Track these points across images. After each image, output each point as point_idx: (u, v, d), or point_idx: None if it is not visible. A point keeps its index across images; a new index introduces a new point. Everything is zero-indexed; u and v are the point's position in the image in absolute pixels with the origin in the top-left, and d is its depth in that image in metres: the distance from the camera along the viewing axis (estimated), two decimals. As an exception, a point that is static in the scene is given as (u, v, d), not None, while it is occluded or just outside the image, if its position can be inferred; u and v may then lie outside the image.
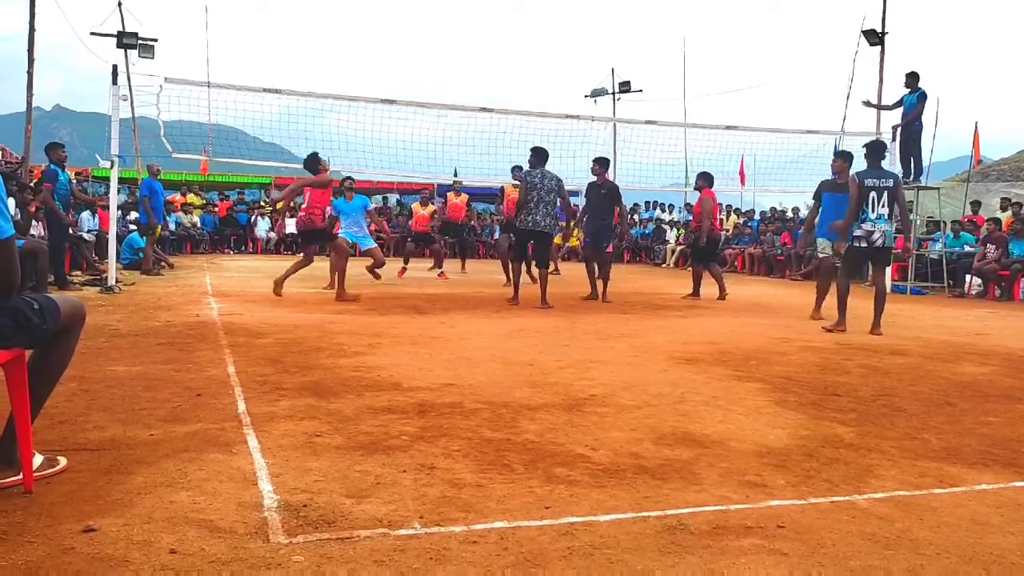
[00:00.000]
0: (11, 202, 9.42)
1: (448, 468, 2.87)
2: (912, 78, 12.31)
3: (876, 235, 7.07)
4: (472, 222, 20.81)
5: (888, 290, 7.50)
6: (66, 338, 2.71)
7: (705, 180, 10.62)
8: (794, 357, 5.66)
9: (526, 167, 9.29)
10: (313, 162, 9.44)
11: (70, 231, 11.34)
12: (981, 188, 19.53)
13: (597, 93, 27.46)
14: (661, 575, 2.06)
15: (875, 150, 7.42)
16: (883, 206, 7.07)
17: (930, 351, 6.17)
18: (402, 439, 3.23)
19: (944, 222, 14.63)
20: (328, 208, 9.67)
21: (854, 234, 7.15)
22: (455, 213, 14.03)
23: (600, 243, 10.16)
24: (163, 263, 13.78)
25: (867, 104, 14.10)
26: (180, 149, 11.17)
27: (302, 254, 9.67)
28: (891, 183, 7.12)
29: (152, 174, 12.98)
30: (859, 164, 7.90)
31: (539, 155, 9.08)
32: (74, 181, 12.62)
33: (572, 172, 13.22)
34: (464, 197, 14.98)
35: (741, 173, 20.40)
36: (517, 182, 12.17)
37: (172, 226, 19.45)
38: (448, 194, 14.44)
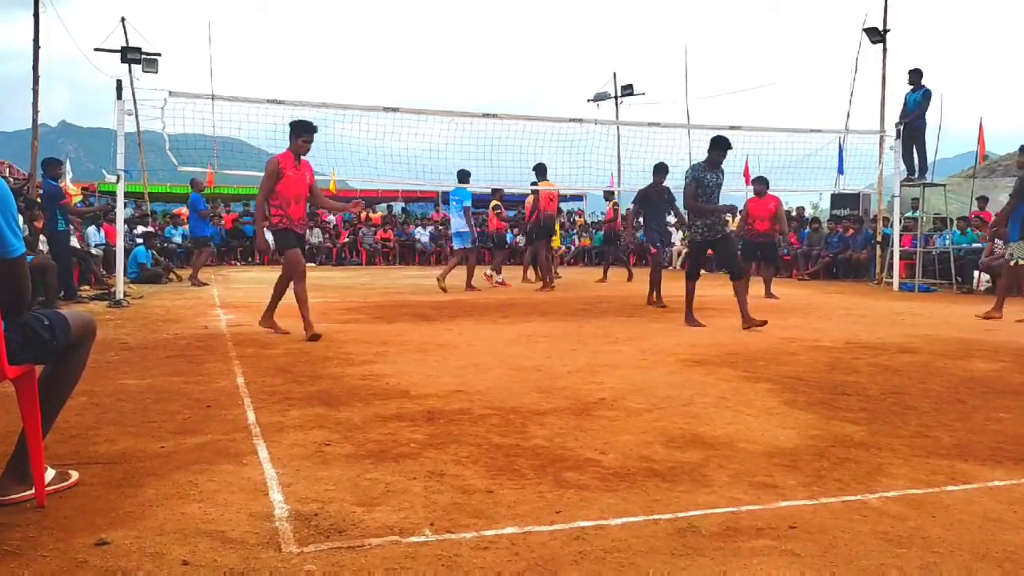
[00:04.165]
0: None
1: (458, 474, 2.87)
2: (916, 75, 12.28)
3: None
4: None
5: (896, 288, 7.16)
6: (77, 353, 2.72)
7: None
8: (803, 357, 5.65)
9: (532, 170, 9.32)
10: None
11: (77, 245, 11.42)
12: (988, 184, 19.45)
13: (600, 97, 27.49)
14: (673, 578, 2.05)
15: None
16: None
17: (939, 348, 6.15)
18: (411, 446, 3.24)
19: (951, 218, 14.56)
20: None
21: None
22: (550, 205, 12.89)
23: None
24: (170, 274, 13.87)
25: (899, 124, 13.26)
26: (185, 162, 11.20)
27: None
28: None
29: (199, 189, 13.45)
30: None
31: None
32: (80, 197, 12.75)
33: (574, 176, 13.29)
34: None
35: (746, 174, 20.39)
36: (535, 183, 12.45)
37: (179, 239, 19.54)
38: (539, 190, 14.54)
